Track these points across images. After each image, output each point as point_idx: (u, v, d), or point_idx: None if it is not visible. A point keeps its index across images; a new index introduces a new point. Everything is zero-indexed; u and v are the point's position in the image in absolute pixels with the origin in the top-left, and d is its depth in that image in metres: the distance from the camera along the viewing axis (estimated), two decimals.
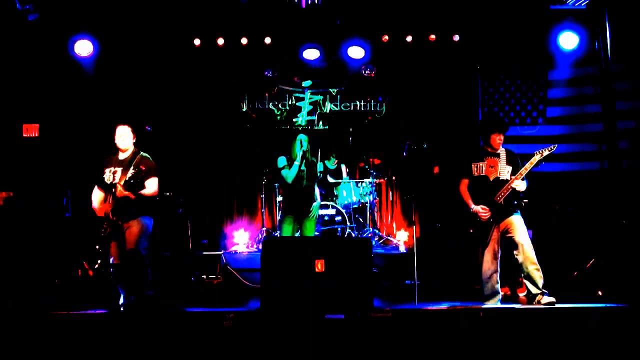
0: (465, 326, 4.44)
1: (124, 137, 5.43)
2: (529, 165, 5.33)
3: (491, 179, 5.47)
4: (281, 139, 6.76)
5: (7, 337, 4.42)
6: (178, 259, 7.02)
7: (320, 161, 8.31)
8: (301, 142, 6.20)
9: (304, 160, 6.29)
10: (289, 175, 6.19)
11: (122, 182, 5.21)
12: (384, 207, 8.71)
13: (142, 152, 5.50)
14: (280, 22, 7.93)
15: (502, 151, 5.53)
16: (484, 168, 5.51)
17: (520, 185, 5.35)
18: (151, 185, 5.40)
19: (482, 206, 5.42)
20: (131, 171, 5.25)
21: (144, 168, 5.25)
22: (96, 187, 5.48)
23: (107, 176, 5.40)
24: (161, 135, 7.73)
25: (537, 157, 5.31)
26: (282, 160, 6.29)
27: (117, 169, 5.40)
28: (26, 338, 4.40)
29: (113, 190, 5.25)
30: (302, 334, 4.33)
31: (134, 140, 5.51)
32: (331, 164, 8.40)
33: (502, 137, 5.51)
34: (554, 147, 5.38)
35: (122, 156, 5.48)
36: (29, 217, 5.96)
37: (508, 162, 5.48)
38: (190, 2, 7.63)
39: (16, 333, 4.43)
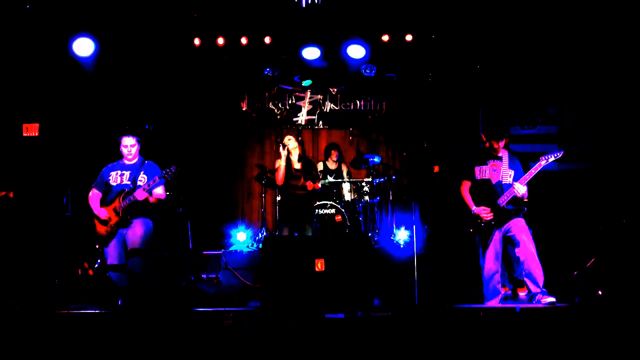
0: (465, 326, 4.44)
1: (131, 148, 5.51)
2: (533, 171, 5.29)
3: (494, 182, 5.47)
4: (281, 138, 6.80)
5: (8, 336, 4.42)
6: (178, 258, 7.01)
7: (321, 160, 8.36)
8: (282, 144, 6.27)
9: (299, 160, 6.32)
10: (278, 176, 6.23)
11: (145, 186, 5.30)
12: (383, 206, 8.70)
13: (148, 160, 5.61)
14: (281, 22, 7.93)
15: (504, 154, 5.53)
16: (487, 171, 5.51)
17: (520, 189, 5.34)
18: (161, 192, 5.55)
19: (483, 208, 5.42)
20: (144, 176, 5.42)
21: (157, 179, 5.35)
22: (94, 190, 5.55)
23: (115, 178, 5.49)
24: (161, 135, 7.74)
25: (542, 163, 5.27)
26: (278, 162, 6.33)
27: (125, 172, 5.51)
28: (27, 337, 4.40)
29: (127, 190, 5.34)
30: (302, 334, 4.33)
31: (140, 148, 5.59)
32: (332, 162, 8.39)
33: (503, 142, 5.50)
34: (560, 153, 5.29)
35: (127, 162, 5.57)
36: (29, 217, 5.97)
37: (510, 166, 5.48)
38: (190, 2, 7.63)
39: (16, 332, 4.43)
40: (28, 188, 6.99)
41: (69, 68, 7.74)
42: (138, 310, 5.16)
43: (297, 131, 7.71)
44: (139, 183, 5.41)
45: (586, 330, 4.38)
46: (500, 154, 5.53)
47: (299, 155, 6.44)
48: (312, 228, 6.48)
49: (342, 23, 7.91)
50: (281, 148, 6.29)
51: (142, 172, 5.48)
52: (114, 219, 5.36)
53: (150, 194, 5.41)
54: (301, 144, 6.60)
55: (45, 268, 5.81)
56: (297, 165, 6.47)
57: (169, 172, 5.27)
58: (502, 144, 5.49)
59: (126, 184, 5.43)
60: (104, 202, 5.45)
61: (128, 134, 5.49)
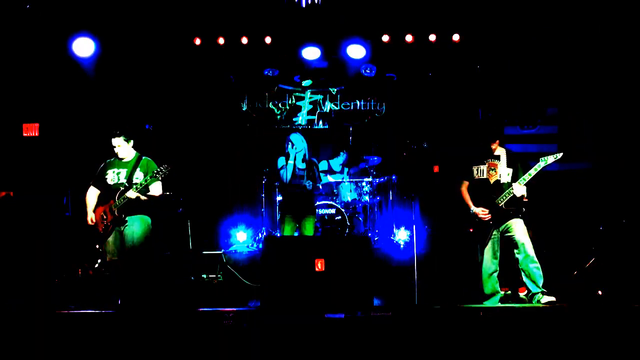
0: (464, 326, 4.44)
1: (121, 148, 5.54)
2: (532, 172, 5.29)
3: (492, 181, 5.47)
4: (281, 138, 6.79)
5: (8, 336, 4.42)
6: (178, 258, 7.01)
7: (324, 160, 8.37)
8: (291, 142, 6.27)
9: (304, 160, 6.33)
10: (285, 174, 6.25)
11: (137, 186, 5.34)
12: (384, 207, 8.70)
13: (144, 156, 5.62)
14: (281, 22, 7.93)
15: (502, 153, 5.54)
16: (484, 171, 5.51)
17: (519, 190, 5.33)
18: (156, 190, 5.54)
19: (482, 208, 5.43)
20: (140, 173, 5.44)
21: (149, 178, 5.37)
22: (92, 187, 5.59)
23: (111, 177, 5.52)
24: (161, 135, 7.73)
25: (541, 164, 5.27)
26: (281, 161, 6.34)
27: (121, 170, 5.53)
28: (27, 337, 4.40)
29: (122, 189, 5.37)
30: (302, 334, 4.33)
31: (133, 144, 5.58)
32: (337, 164, 8.41)
33: (496, 142, 5.51)
34: (559, 154, 5.29)
35: (125, 159, 5.59)
36: (29, 217, 5.97)
37: (509, 164, 5.48)
38: (190, 2, 7.62)
39: (17, 332, 4.44)
40: (28, 188, 6.99)
41: (69, 68, 7.74)
42: (138, 310, 5.16)
43: (301, 131, 7.66)
44: (134, 181, 5.42)
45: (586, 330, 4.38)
46: (497, 153, 5.53)
47: (304, 155, 6.44)
48: (314, 218, 6.51)
49: (342, 23, 7.91)
50: (290, 146, 6.29)
51: (137, 170, 5.50)
52: (110, 217, 5.38)
53: (143, 192, 5.42)
54: (304, 143, 6.59)
55: (45, 268, 5.82)
56: (301, 165, 6.48)
57: (162, 171, 5.32)
58: (494, 144, 5.51)
59: (122, 182, 5.45)
60: (101, 200, 5.48)
61: (114, 135, 5.50)
